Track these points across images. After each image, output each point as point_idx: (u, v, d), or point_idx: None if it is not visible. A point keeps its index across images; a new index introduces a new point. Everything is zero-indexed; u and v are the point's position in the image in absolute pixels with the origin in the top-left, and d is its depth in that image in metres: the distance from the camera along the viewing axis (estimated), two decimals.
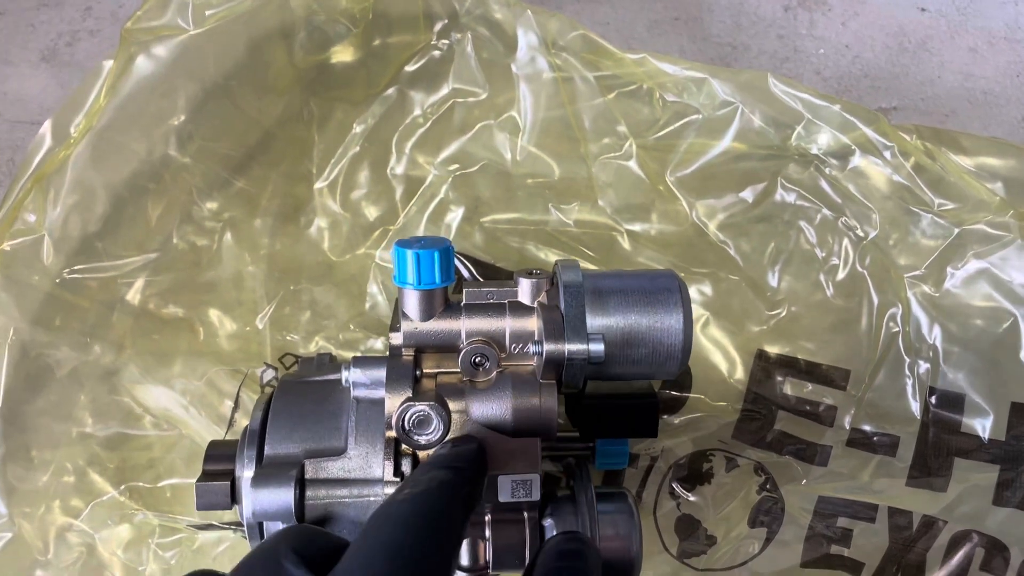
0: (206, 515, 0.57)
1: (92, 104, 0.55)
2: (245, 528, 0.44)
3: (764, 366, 0.61)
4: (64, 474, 0.57)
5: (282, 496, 0.42)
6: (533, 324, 0.45)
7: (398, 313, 0.46)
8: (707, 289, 0.62)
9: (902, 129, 0.59)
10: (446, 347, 0.46)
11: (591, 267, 0.62)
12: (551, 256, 0.63)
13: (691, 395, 0.61)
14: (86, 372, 0.58)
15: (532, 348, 0.44)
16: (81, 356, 0.58)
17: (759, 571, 0.56)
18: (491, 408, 0.44)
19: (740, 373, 0.61)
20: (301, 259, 0.63)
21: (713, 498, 0.59)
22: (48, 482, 0.57)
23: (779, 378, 0.61)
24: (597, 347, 0.43)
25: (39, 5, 0.78)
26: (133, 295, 0.60)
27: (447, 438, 0.42)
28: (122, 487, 0.58)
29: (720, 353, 0.62)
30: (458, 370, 0.45)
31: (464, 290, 0.47)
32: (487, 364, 0.45)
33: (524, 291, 0.46)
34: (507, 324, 0.45)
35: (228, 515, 0.56)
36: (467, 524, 0.36)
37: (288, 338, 0.61)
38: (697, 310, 0.62)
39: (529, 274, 0.46)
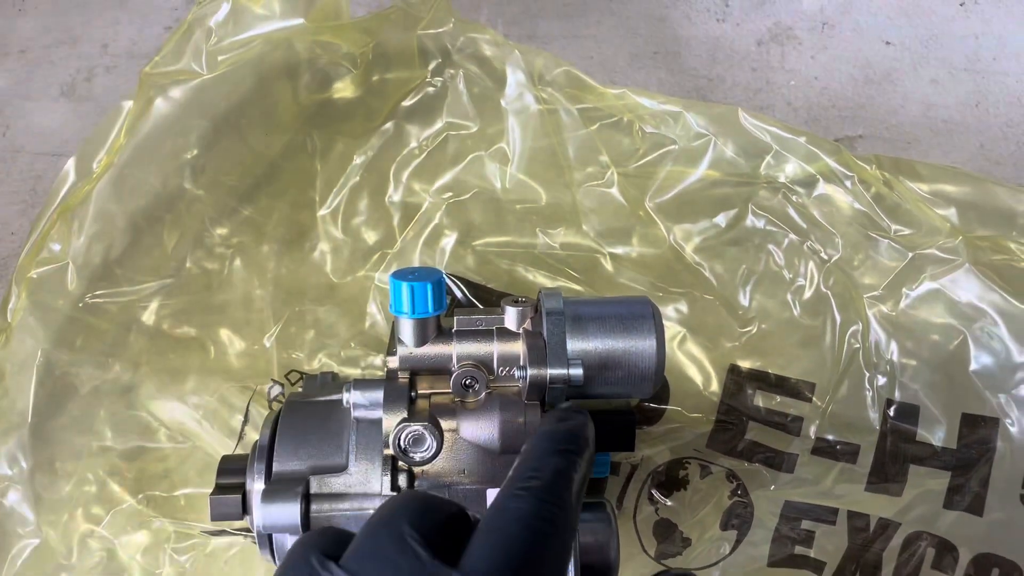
0: (218, 523, 0.60)
1: (113, 142, 0.59)
2: (255, 535, 0.47)
3: (736, 380, 0.64)
4: (86, 484, 0.60)
5: (289, 510, 0.45)
6: (519, 349, 0.48)
7: (394, 339, 0.49)
8: (683, 308, 0.65)
9: (863, 159, 0.63)
10: (439, 370, 0.49)
11: (576, 288, 0.66)
12: (539, 277, 0.66)
13: (669, 407, 0.64)
14: (106, 389, 0.61)
15: (517, 372, 0.47)
16: (101, 374, 0.61)
17: (730, 570, 0.59)
18: (480, 427, 0.47)
19: (714, 386, 0.64)
20: (305, 281, 0.66)
21: (688, 503, 0.62)
22: (71, 491, 0.60)
23: (750, 391, 0.64)
24: (576, 371, 0.46)
25: (58, 42, 0.82)
26: (149, 317, 0.63)
27: (558, 406, 0.45)
28: (140, 496, 0.61)
29: (696, 367, 0.65)
30: (450, 391, 0.48)
31: (455, 317, 0.50)
32: (476, 386, 0.48)
33: (510, 318, 0.49)
34: (495, 349, 0.48)
35: (239, 522, 0.59)
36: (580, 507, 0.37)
37: (293, 356, 0.64)
38: (674, 327, 0.65)
39: (515, 302, 0.50)
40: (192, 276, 0.64)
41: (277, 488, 0.46)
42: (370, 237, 0.67)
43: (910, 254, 0.62)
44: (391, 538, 0.31)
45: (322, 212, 0.66)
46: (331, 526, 0.36)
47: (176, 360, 0.63)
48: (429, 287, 0.47)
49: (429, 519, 0.32)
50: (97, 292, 0.60)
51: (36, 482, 0.59)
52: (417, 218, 0.67)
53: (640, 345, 0.48)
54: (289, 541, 0.47)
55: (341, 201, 0.66)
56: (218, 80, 0.59)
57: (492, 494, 0.47)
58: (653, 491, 0.62)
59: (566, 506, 0.34)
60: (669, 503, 0.62)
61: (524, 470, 0.36)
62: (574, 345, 0.48)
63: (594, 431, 0.42)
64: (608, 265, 0.66)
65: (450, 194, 0.67)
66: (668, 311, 0.65)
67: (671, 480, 0.62)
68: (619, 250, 0.66)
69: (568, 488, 0.35)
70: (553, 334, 0.48)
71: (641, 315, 0.49)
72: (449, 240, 0.66)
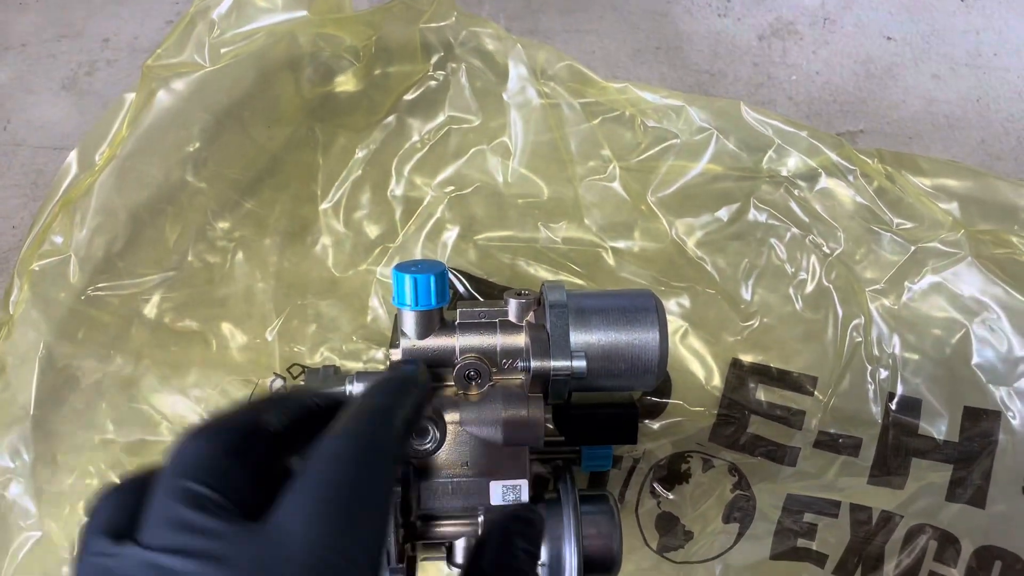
0: None
1: (115, 134, 0.59)
2: None
3: (738, 373, 0.64)
4: (88, 477, 0.60)
5: None
6: (521, 341, 0.48)
7: (397, 331, 0.49)
8: (686, 302, 0.65)
9: (865, 153, 0.63)
10: (442, 362, 0.48)
11: (578, 282, 0.66)
12: (541, 271, 0.66)
13: (671, 401, 0.64)
14: (108, 382, 0.61)
15: (520, 364, 0.47)
16: (103, 367, 0.61)
17: (732, 563, 0.59)
18: (483, 419, 0.47)
19: (716, 380, 0.64)
20: (307, 275, 0.66)
21: (691, 496, 0.62)
22: (73, 484, 0.60)
23: (752, 385, 0.64)
24: (580, 364, 0.46)
25: (59, 36, 0.81)
26: (151, 310, 0.63)
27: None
28: None
29: (698, 361, 0.65)
30: (453, 384, 0.48)
31: (458, 310, 0.50)
32: (479, 379, 0.48)
33: (513, 311, 0.49)
34: (498, 341, 0.48)
35: None
36: (405, 446, 0.35)
37: (295, 349, 0.64)
38: (676, 321, 0.65)
39: (518, 295, 0.49)
40: (194, 269, 0.64)
41: None
42: (372, 231, 0.67)
43: (912, 247, 0.62)
44: (188, 503, 0.28)
45: (324, 206, 0.66)
46: (113, 488, 0.31)
47: (178, 353, 0.63)
48: (432, 279, 0.46)
49: (223, 463, 0.29)
50: (99, 285, 0.60)
51: (38, 475, 0.59)
52: (419, 212, 0.67)
53: (643, 337, 0.48)
54: None
55: (343, 195, 0.66)
56: (220, 73, 0.59)
57: (495, 486, 0.47)
58: (655, 484, 0.62)
59: (383, 443, 0.32)
60: (671, 496, 0.62)
61: (344, 416, 0.33)
62: (577, 337, 0.48)
63: (427, 377, 0.42)
64: (610, 259, 0.66)
65: (452, 188, 0.67)
66: (670, 305, 0.65)
67: (673, 474, 0.63)
68: (621, 244, 0.66)
69: (386, 426, 0.34)
70: (556, 326, 0.48)
71: (644, 308, 0.49)
72: (451, 234, 0.67)
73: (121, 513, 0.29)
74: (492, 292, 0.66)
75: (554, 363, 0.46)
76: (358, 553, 0.28)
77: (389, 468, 0.32)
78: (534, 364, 0.46)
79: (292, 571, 0.26)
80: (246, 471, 0.30)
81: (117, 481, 0.31)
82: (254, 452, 0.31)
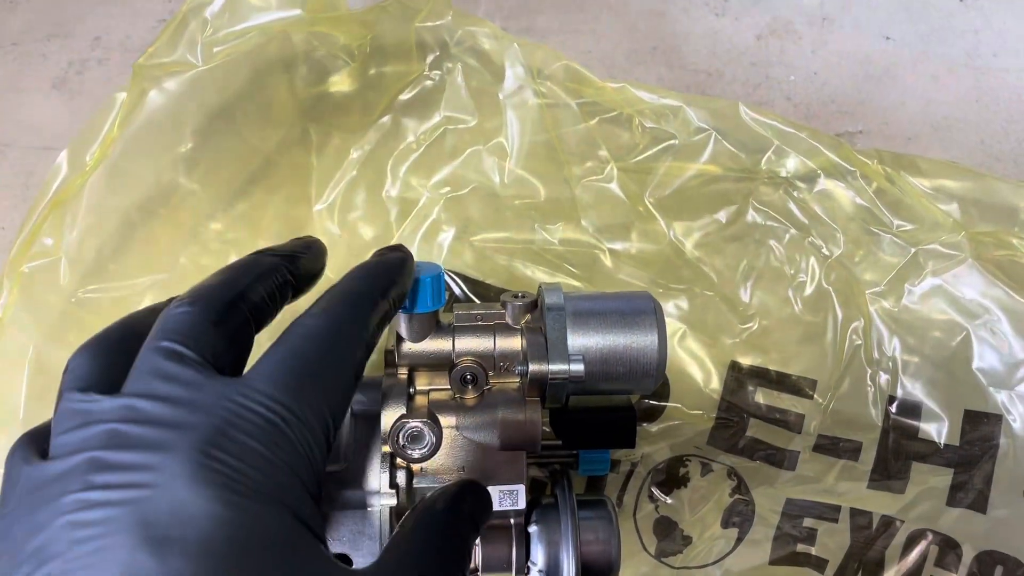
0: None
1: (106, 134, 0.58)
2: None
3: (737, 376, 0.64)
4: None
5: None
6: (519, 345, 0.48)
7: (392, 334, 0.48)
8: (684, 304, 0.65)
9: (864, 154, 0.62)
10: (438, 366, 0.48)
11: (576, 284, 0.65)
12: (538, 273, 0.66)
13: (669, 404, 0.64)
14: None
15: (518, 368, 0.47)
16: None
17: (731, 569, 0.59)
18: (480, 423, 0.46)
19: (715, 383, 0.64)
20: None
21: (689, 501, 0.61)
22: None
23: (751, 388, 0.64)
24: (578, 367, 0.46)
25: (49, 36, 0.80)
26: None
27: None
28: None
29: (696, 364, 0.65)
30: (449, 388, 0.47)
31: (455, 313, 0.50)
32: (476, 382, 0.47)
33: (510, 314, 0.49)
34: (495, 345, 0.48)
35: None
36: (377, 332, 0.37)
37: None
38: (674, 324, 0.65)
39: (515, 297, 0.49)
40: (186, 272, 0.63)
41: None
42: (367, 232, 0.66)
43: (912, 249, 0.62)
44: (166, 356, 0.31)
45: (318, 207, 0.66)
46: (89, 345, 0.34)
47: None
48: (428, 282, 0.46)
49: (202, 327, 0.32)
50: (90, 287, 0.59)
51: None
52: (414, 213, 0.66)
53: (642, 340, 0.48)
54: None
55: (337, 196, 0.66)
56: (213, 72, 0.58)
57: (492, 491, 0.46)
58: (653, 489, 0.62)
59: (357, 322, 0.35)
60: (669, 501, 0.62)
61: (323, 297, 0.36)
62: (575, 341, 0.47)
63: (412, 265, 0.43)
64: (607, 261, 0.66)
65: (448, 189, 0.66)
66: (668, 307, 0.65)
67: (671, 478, 0.62)
68: (618, 246, 0.66)
69: (363, 307, 0.36)
70: (554, 330, 0.47)
71: (643, 310, 0.49)
72: (447, 236, 0.66)
73: (100, 371, 0.32)
74: (489, 294, 0.65)
75: (552, 367, 0.46)
76: (311, 417, 0.31)
77: (358, 351, 0.35)
78: (531, 368, 0.46)
79: (250, 419, 0.30)
80: (225, 337, 0.33)
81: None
82: (234, 321, 0.34)
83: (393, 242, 0.66)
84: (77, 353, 0.33)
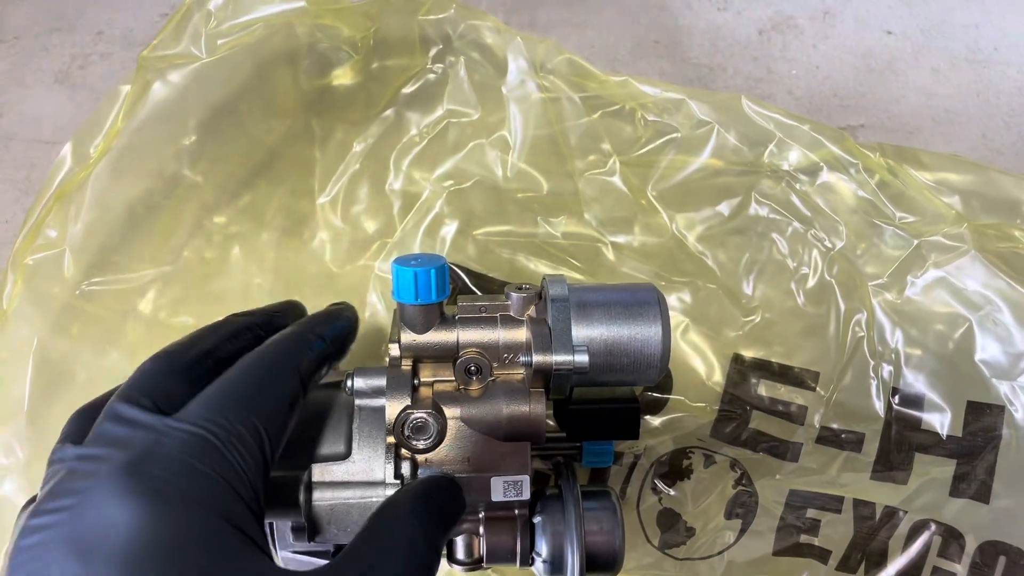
0: None
1: (110, 127, 0.58)
2: None
3: (740, 369, 0.64)
4: None
5: (290, 499, 0.44)
6: (523, 336, 0.48)
7: (396, 326, 0.48)
8: (687, 297, 0.65)
9: (866, 147, 0.62)
10: (442, 357, 0.48)
11: (578, 277, 0.65)
12: (540, 266, 0.66)
13: (672, 397, 0.64)
14: (103, 378, 0.60)
15: (522, 359, 0.47)
16: (98, 363, 0.60)
17: (735, 560, 0.59)
18: (484, 415, 0.46)
19: (718, 376, 0.64)
20: (304, 270, 0.65)
21: (692, 493, 0.61)
22: None
23: (754, 380, 0.64)
24: (582, 358, 0.46)
25: (52, 29, 0.81)
26: (146, 306, 0.62)
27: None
28: None
29: (699, 357, 0.65)
30: (453, 379, 0.47)
31: (459, 304, 0.49)
32: (480, 374, 0.47)
33: (514, 305, 0.49)
34: (499, 336, 0.48)
35: None
36: (314, 368, 0.41)
37: None
38: (677, 317, 0.65)
39: (519, 289, 0.49)
40: (190, 264, 0.63)
41: (278, 476, 0.45)
42: (370, 226, 0.66)
43: (915, 241, 0.62)
44: (123, 401, 0.34)
45: (321, 200, 0.66)
46: (85, 408, 0.38)
47: None
48: (433, 273, 0.46)
49: (162, 378, 0.36)
50: (94, 279, 0.60)
51: (32, 473, 0.58)
52: (417, 207, 0.66)
53: (646, 332, 0.48)
54: (288, 530, 0.47)
55: (340, 189, 0.66)
56: (217, 64, 0.58)
57: (496, 482, 0.46)
58: (656, 481, 0.62)
59: (289, 356, 0.40)
60: (672, 493, 0.62)
61: (267, 340, 0.41)
62: (579, 332, 0.47)
63: (353, 313, 0.48)
64: (610, 254, 0.66)
65: (451, 182, 0.66)
66: (671, 300, 0.65)
67: (674, 470, 0.62)
68: (621, 239, 0.66)
69: (296, 344, 0.41)
70: (558, 320, 0.47)
71: (647, 301, 0.49)
72: (450, 229, 0.66)
73: (79, 427, 0.35)
74: (492, 287, 0.65)
75: (556, 357, 0.46)
76: (244, 431, 0.34)
77: (291, 380, 0.39)
78: (536, 359, 0.46)
79: (181, 437, 0.32)
80: (183, 383, 0.36)
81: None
82: (194, 370, 0.37)
83: (396, 236, 0.66)
84: (73, 416, 0.38)
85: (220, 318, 0.62)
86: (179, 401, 0.35)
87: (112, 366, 0.61)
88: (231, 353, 0.39)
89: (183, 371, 0.37)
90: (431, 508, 0.40)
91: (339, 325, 0.46)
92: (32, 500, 0.34)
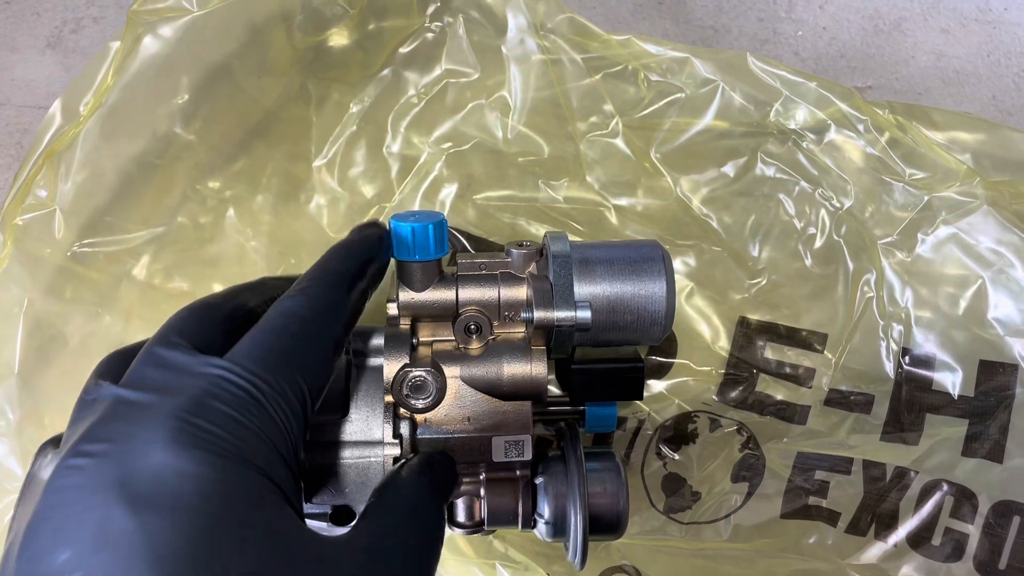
0: None
1: (100, 83, 0.57)
2: None
3: (746, 332, 0.63)
4: None
5: None
6: (523, 293, 0.47)
7: (395, 284, 0.47)
8: (691, 260, 0.64)
9: (876, 105, 0.61)
10: (441, 316, 0.47)
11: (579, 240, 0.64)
12: (541, 231, 0.64)
13: (676, 361, 0.63)
14: (96, 343, 0.59)
15: (523, 316, 0.46)
16: (92, 326, 0.59)
17: (742, 523, 0.58)
18: (484, 373, 0.45)
19: (723, 340, 0.63)
20: (301, 235, 0.64)
21: (698, 457, 0.61)
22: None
23: (760, 343, 0.63)
24: (584, 314, 0.44)
25: None
26: (140, 271, 0.61)
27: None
28: None
29: (704, 321, 0.64)
30: (453, 338, 0.46)
31: (458, 262, 0.48)
32: (480, 332, 0.46)
33: (515, 262, 0.48)
34: (499, 293, 0.47)
35: None
36: (354, 308, 0.40)
37: None
38: (682, 280, 0.64)
39: (519, 246, 0.48)
40: (184, 229, 0.62)
41: None
42: (367, 190, 0.65)
43: (926, 197, 0.60)
44: (162, 345, 0.34)
45: (318, 163, 0.64)
46: (120, 351, 0.37)
47: (168, 313, 0.60)
48: (431, 228, 0.45)
49: (199, 324, 0.36)
50: (86, 241, 0.58)
51: (24, 436, 0.57)
52: (416, 170, 0.65)
53: (649, 288, 0.47)
54: None
55: (337, 152, 0.64)
56: (209, 18, 0.57)
57: (497, 441, 0.45)
58: (661, 446, 0.61)
59: (333, 299, 0.38)
60: (677, 457, 0.61)
61: (304, 275, 0.39)
62: (581, 288, 0.46)
63: (388, 241, 0.45)
64: (613, 218, 0.65)
65: (449, 145, 0.65)
66: (676, 264, 0.64)
67: (679, 434, 0.61)
68: (624, 202, 0.65)
69: (340, 285, 0.39)
70: (560, 276, 0.46)
71: (650, 258, 0.48)
72: (449, 193, 0.65)
73: (115, 367, 0.35)
74: (491, 251, 0.64)
75: (558, 314, 0.45)
76: (287, 388, 0.33)
77: (335, 326, 0.37)
78: (537, 315, 0.45)
79: (227, 388, 0.32)
80: (219, 330, 0.36)
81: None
82: (231, 322, 0.37)
83: (395, 199, 0.65)
84: (109, 355, 0.37)
85: (215, 283, 0.62)
86: (218, 351, 0.34)
87: (105, 330, 0.60)
88: (258, 303, 0.39)
89: (221, 322, 0.36)
90: (435, 477, 0.41)
91: (380, 255, 0.44)
92: (53, 441, 0.34)
